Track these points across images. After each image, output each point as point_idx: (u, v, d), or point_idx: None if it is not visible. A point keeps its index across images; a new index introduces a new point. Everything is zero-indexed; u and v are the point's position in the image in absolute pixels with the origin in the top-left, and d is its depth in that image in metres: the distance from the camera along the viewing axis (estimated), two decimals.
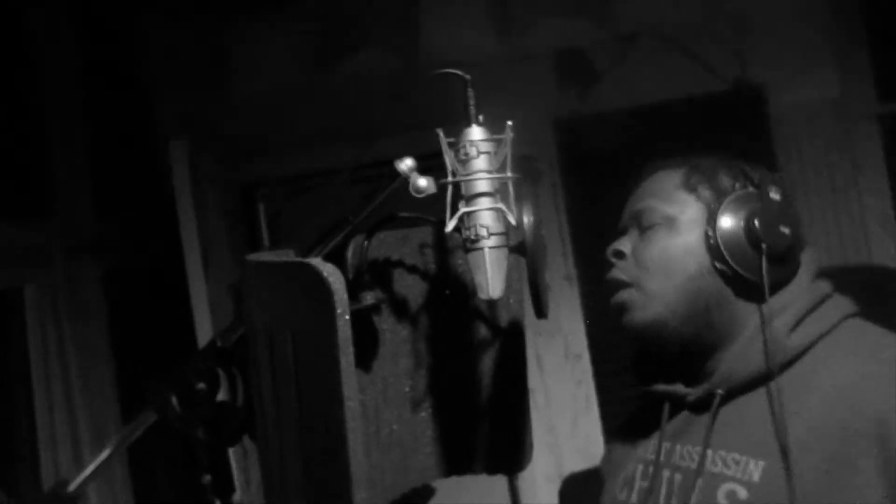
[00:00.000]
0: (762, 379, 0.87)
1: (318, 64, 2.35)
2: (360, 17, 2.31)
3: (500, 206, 0.90)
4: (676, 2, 2.34)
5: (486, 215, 0.89)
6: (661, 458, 0.94)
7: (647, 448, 0.99)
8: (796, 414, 0.82)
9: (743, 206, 0.90)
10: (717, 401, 0.90)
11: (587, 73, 2.38)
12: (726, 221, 0.90)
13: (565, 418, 2.34)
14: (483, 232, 0.88)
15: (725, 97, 2.34)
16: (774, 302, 0.87)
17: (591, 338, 2.33)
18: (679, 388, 0.96)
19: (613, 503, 1.02)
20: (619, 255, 1.00)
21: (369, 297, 1.01)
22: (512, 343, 1.15)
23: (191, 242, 1.67)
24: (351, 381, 0.73)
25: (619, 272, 1.00)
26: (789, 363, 0.86)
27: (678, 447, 0.93)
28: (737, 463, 0.86)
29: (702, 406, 0.93)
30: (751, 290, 0.89)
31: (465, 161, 0.90)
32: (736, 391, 0.89)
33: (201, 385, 0.98)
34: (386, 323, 1.11)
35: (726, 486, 0.86)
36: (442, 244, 1.14)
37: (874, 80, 2.28)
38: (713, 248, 0.90)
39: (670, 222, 0.95)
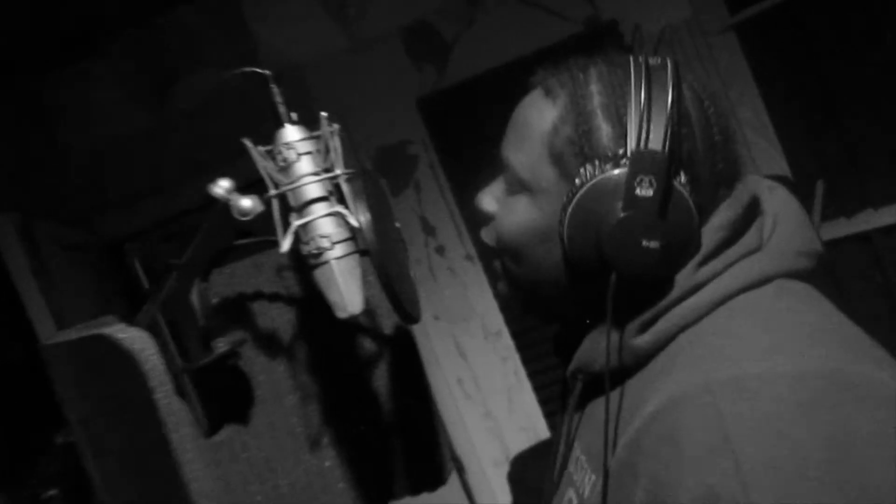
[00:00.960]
0: (617, 378, 0.66)
1: (154, 99, 2.18)
2: (187, 41, 2.14)
3: (338, 208, 0.78)
4: None
5: (323, 223, 0.78)
6: (564, 443, 0.77)
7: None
8: (625, 430, 0.63)
9: (597, 207, 0.63)
10: (577, 388, 0.71)
11: (439, 46, 2.29)
12: (574, 229, 0.64)
13: (500, 399, 2.26)
14: (325, 243, 0.77)
15: (582, 39, 2.29)
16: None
17: (506, 312, 2.25)
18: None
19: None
20: (484, 217, 0.78)
21: (221, 344, 0.88)
22: (403, 351, 1.04)
23: (42, 321, 1.50)
24: (192, 457, 0.61)
25: (485, 235, 0.79)
26: (639, 365, 0.65)
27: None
28: (582, 468, 0.70)
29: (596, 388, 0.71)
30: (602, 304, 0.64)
31: (285, 168, 0.78)
32: (599, 382, 0.67)
33: (52, 492, 0.84)
34: (257, 363, 0.99)
35: (569, 493, 0.71)
36: (302, 261, 1.02)
37: None
38: (564, 256, 0.67)
39: (531, 194, 0.70)
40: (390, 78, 2.26)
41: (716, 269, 0.64)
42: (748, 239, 0.66)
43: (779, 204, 0.70)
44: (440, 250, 2.27)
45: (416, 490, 1.07)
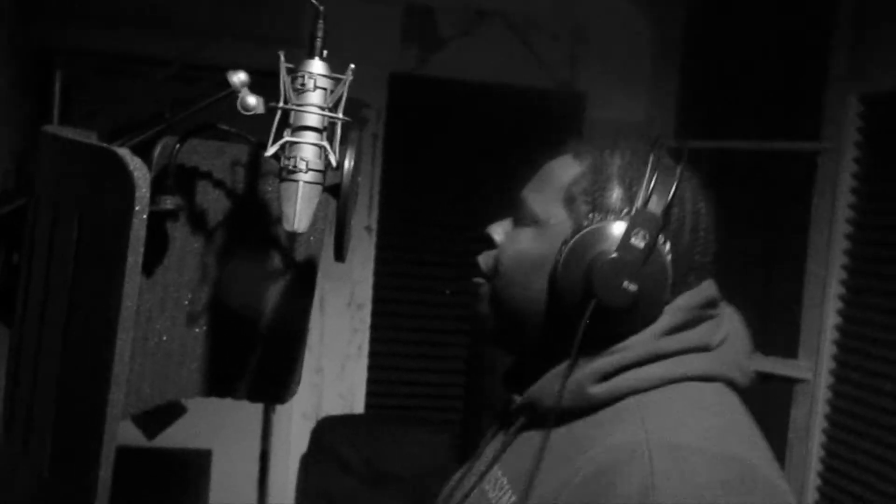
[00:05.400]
0: (562, 416, 0.75)
1: None
2: None
3: (325, 144, 0.90)
4: None
5: (308, 149, 0.89)
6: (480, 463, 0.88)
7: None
8: (564, 464, 0.72)
9: (595, 244, 0.74)
10: (519, 421, 0.81)
11: (432, 37, 2.41)
12: (571, 257, 0.75)
13: (334, 362, 2.39)
14: (302, 165, 0.88)
15: (549, 97, 2.48)
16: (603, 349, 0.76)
17: (376, 290, 2.39)
18: (516, 396, 0.84)
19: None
20: (489, 242, 0.87)
21: (168, 202, 0.97)
22: (303, 279, 1.16)
23: None
24: (133, 281, 0.71)
25: (482, 259, 0.88)
26: (589, 410, 0.74)
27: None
28: (501, 488, 0.79)
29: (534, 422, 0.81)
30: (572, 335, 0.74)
31: (300, 91, 0.89)
32: (543, 418, 0.77)
33: None
34: (179, 232, 1.08)
35: None
36: (255, 166, 1.12)
37: (675, 114, 2.53)
38: (551, 282, 0.78)
39: (538, 227, 0.82)
40: (375, 43, 2.36)
41: (673, 345, 0.75)
42: (704, 330, 0.77)
43: (735, 324, 0.82)
44: None
45: (255, 397, 1.19)
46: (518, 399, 0.82)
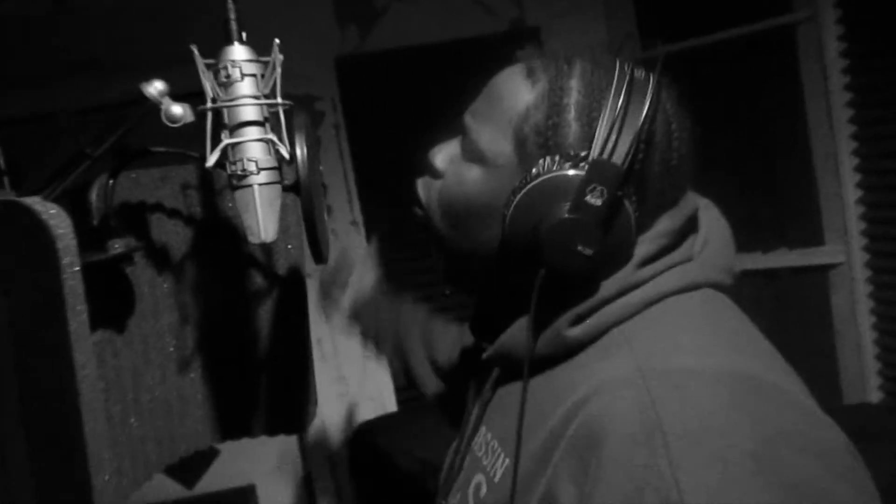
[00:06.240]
0: (541, 364, 0.68)
1: None
2: None
3: (271, 136, 0.79)
4: None
5: (254, 147, 0.78)
6: (471, 425, 0.79)
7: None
8: (550, 414, 0.63)
9: (545, 201, 0.63)
10: (494, 374, 0.73)
11: (367, 8, 2.28)
12: (519, 213, 0.64)
13: (355, 367, 2.29)
14: (251, 167, 0.77)
15: (504, 38, 2.35)
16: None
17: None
18: (486, 345, 0.75)
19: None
20: (433, 172, 0.77)
21: (118, 246, 0.86)
22: (291, 292, 1.05)
23: None
24: (84, 345, 0.60)
25: (422, 188, 0.79)
26: (569, 353, 0.66)
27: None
28: (493, 452, 0.71)
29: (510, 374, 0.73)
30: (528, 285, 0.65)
31: (226, 84, 0.78)
32: (519, 367, 0.67)
33: None
34: (143, 275, 0.97)
35: (477, 477, 0.72)
36: (208, 184, 1.01)
37: (637, 26, 2.40)
38: (502, 235, 0.66)
39: (485, 167, 0.70)
40: (312, 30, 2.23)
41: (654, 270, 0.66)
42: (683, 249, 0.68)
43: (711, 222, 0.73)
44: (327, 210, 2.26)
45: (273, 431, 1.09)
46: (489, 349, 0.73)
